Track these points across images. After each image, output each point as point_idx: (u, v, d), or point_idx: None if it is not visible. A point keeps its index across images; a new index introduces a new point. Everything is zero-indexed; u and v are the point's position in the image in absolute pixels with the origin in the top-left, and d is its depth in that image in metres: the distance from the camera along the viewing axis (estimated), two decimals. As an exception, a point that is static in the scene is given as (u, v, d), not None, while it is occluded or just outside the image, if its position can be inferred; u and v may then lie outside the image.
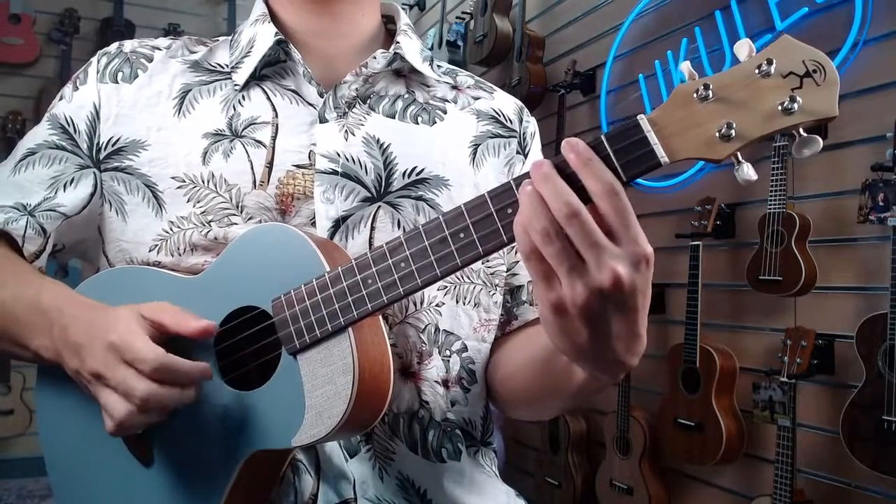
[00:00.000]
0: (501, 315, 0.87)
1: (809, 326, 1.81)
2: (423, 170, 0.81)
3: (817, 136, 0.54)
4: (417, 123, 0.84)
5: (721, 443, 1.98)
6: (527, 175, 0.57)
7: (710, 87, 0.55)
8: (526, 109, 0.94)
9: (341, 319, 0.64)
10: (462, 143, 0.86)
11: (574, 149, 0.55)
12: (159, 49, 0.85)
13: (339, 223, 0.77)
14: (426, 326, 0.79)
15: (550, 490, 2.73)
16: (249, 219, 0.76)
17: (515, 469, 3.10)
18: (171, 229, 0.77)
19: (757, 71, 0.54)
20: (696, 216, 2.09)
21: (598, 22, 2.77)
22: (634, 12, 2.53)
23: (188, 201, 0.77)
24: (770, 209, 1.85)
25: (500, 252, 0.85)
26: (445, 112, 0.87)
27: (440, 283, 0.80)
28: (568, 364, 0.66)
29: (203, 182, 0.77)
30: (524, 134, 0.91)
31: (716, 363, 2.01)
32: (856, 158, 1.78)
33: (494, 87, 0.95)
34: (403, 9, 0.93)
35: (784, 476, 1.73)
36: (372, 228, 0.77)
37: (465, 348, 0.83)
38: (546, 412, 0.86)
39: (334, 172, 0.78)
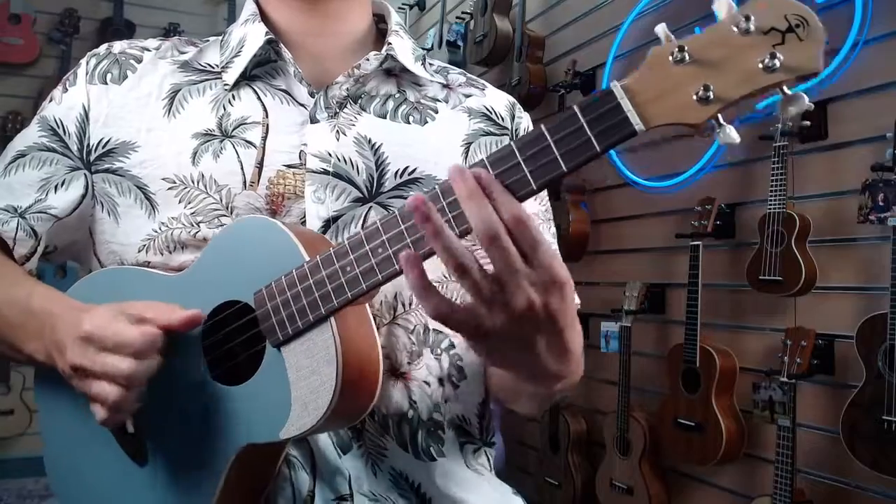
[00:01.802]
0: None
1: (809, 326, 1.80)
2: (415, 170, 0.81)
3: (802, 94, 0.51)
4: (409, 123, 0.84)
5: (721, 443, 1.98)
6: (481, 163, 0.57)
7: (686, 48, 0.52)
8: (518, 105, 0.94)
9: (322, 309, 0.64)
10: (454, 142, 0.86)
11: (464, 179, 0.55)
12: (148, 50, 0.85)
13: (329, 223, 0.77)
14: (415, 327, 0.79)
15: (550, 490, 2.73)
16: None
17: (515, 469, 3.10)
18: (160, 229, 0.77)
19: (735, 29, 0.51)
20: (696, 216, 2.09)
21: (598, 22, 2.77)
22: (634, 12, 2.53)
23: (179, 202, 0.77)
24: (770, 209, 1.85)
25: None
26: (437, 111, 0.86)
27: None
28: (513, 378, 0.69)
29: (193, 182, 0.77)
30: (517, 130, 0.91)
31: (716, 363, 2.01)
32: (856, 158, 1.78)
33: (486, 84, 0.94)
34: (402, 9, 0.93)
35: (784, 476, 1.73)
36: (363, 229, 0.77)
37: (452, 345, 0.82)
38: (526, 410, 0.87)
39: (325, 172, 0.78)
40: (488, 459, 0.87)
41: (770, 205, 1.85)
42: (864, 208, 1.68)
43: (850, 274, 1.80)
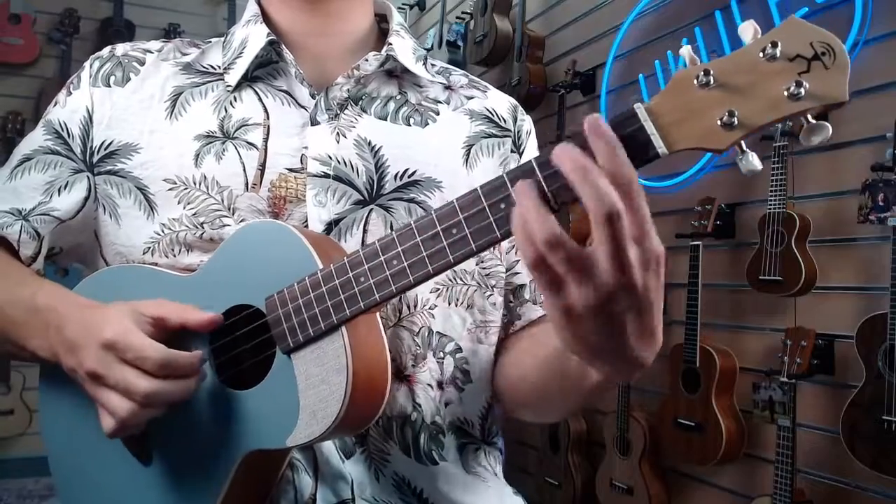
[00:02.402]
0: (504, 315, 0.86)
1: (809, 326, 1.80)
2: (415, 172, 0.81)
3: (826, 123, 0.51)
4: (409, 125, 0.84)
5: (721, 443, 1.98)
6: (520, 168, 0.55)
7: (712, 72, 0.51)
8: (520, 108, 0.94)
9: (334, 318, 0.64)
10: (455, 144, 0.85)
11: (602, 136, 0.50)
12: (151, 52, 0.85)
13: (331, 226, 0.77)
14: (420, 329, 0.79)
15: (550, 490, 2.73)
16: (241, 221, 0.76)
17: (515, 469, 3.10)
18: (163, 231, 0.77)
19: (761, 54, 0.51)
20: (696, 216, 2.09)
21: (598, 22, 2.77)
22: (634, 12, 2.53)
23: (178, 203, 0.77)
24: (770, 209, 1.85)
25: (497, 253, 0.85)
26: (438, 113, 0.86)
27: (432, 285, 0.80)
28: (581, 365, 0.64)
29: (195, 184, 0.77)
30: (519, 132, 0.91)
31: (716, 363, 2.01)
32: (856, 158, 1.78)
33: (488, 86, 0.94)
34: (403, 9, 0.93)
35: (784, 476, 1.73)
36: (364, 231, 0.77)
37: (458, 349, 0.82)
38: (555, 414, 0.85)
39: (326, 175, 0.78)
40: (495, 459, 0.87)
41: (770, 205, 1.85)
42: (864, 208, 1.68)
43: (850, 274, 1.80)
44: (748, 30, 0.52)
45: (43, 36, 3.99)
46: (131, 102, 0.81)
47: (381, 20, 0.92)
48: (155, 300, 0.70)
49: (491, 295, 0.84)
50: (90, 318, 0.69)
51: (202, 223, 0.76)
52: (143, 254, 0.78)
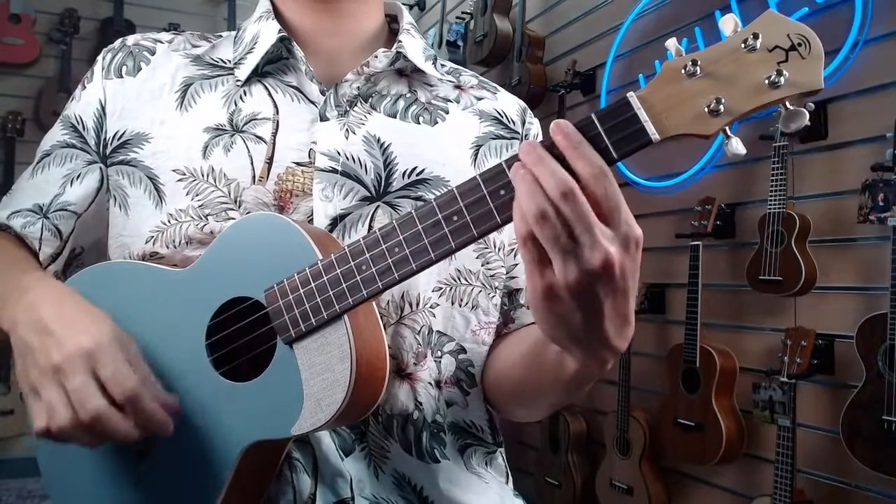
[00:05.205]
0: (498, 318, 0.87)
1: (809, 326, 1.81)
2: (423, 170, 0.81)
3: (803, 110, 0.54)
4: (419, 123, 0.84)
5: (721, 443, 1.98)
6: (517, 156, 0.57)
7: (698, 62, 0.55)
8: (529, 110, 0.94)
9: (336, 307, 0.64)
10: (463, 143, 0.86)
11: (563, 131, 0.55)
12: (161, 42, 0.87)
13: (336, 221, 0.77)
14: (421, 328, 0.79)
15: (550, 490, 2.73)
16: (247, 214, 0.76)
17: (515, 469, 3.09)
18: (169, 221, 0.78)
19: (743, 45, 0.54)
20: (696, 216, 2.09)
21: (598, 22, 2.77)
22: (634, 12, 2.53)
23: (187, 194, 0.77)
24: (770, 209, 1.85)
25: (501, 255, 0.85)
26: (447, 112, 0.86)
27: (435, 283, 0.80)
28: (558, 354, 0.66)
29: (203, 176, 0.78)
30: (526, 136, 0.91)
31: (716, 363, 2.01)
32: (856, 158, 1.78)
33: (498, 88, 0.94)
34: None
35: (784, 476, 1.73)
36: (370, 228, 0.77)
37: (461, 350, 0.82)
38: (539, 409, 0.85)
39: (334, 171, 0.78)
40: (500, 461, 0.87)
41: (770, 205, 1.85)
42: (864, 208, 1.68)
43: (850, 274, 1.80)
44: (728, 23, 0.56)
45: (43, 36, 3.99)
46: (142, 91, 0.83)
47: (392, 21, 0.93)
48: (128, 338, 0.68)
49: (493, 296, 0.85)
50: (74, 311, 0.68)
51: (207, 215, 0.77)
52: (146, 243, 0.78)
